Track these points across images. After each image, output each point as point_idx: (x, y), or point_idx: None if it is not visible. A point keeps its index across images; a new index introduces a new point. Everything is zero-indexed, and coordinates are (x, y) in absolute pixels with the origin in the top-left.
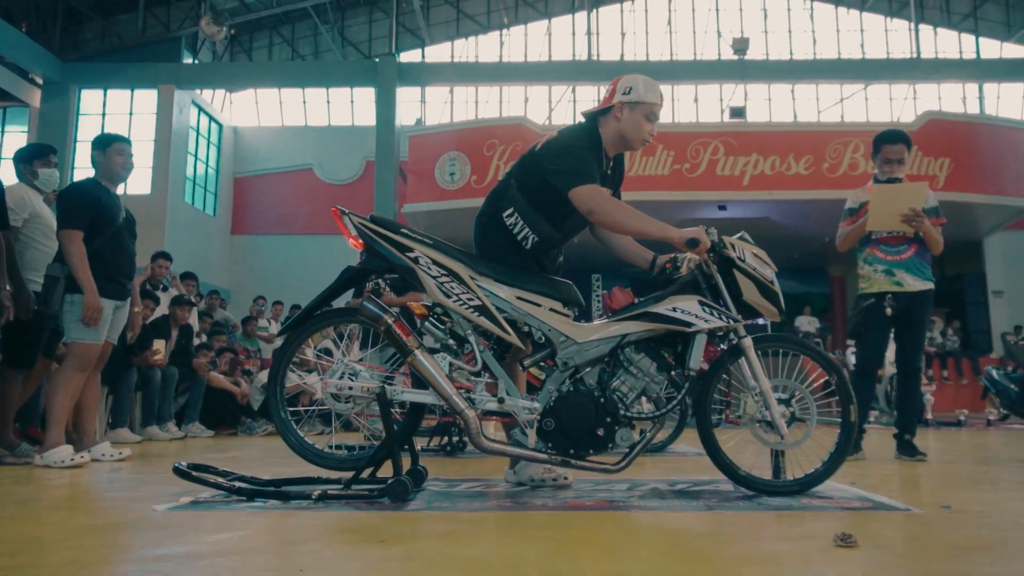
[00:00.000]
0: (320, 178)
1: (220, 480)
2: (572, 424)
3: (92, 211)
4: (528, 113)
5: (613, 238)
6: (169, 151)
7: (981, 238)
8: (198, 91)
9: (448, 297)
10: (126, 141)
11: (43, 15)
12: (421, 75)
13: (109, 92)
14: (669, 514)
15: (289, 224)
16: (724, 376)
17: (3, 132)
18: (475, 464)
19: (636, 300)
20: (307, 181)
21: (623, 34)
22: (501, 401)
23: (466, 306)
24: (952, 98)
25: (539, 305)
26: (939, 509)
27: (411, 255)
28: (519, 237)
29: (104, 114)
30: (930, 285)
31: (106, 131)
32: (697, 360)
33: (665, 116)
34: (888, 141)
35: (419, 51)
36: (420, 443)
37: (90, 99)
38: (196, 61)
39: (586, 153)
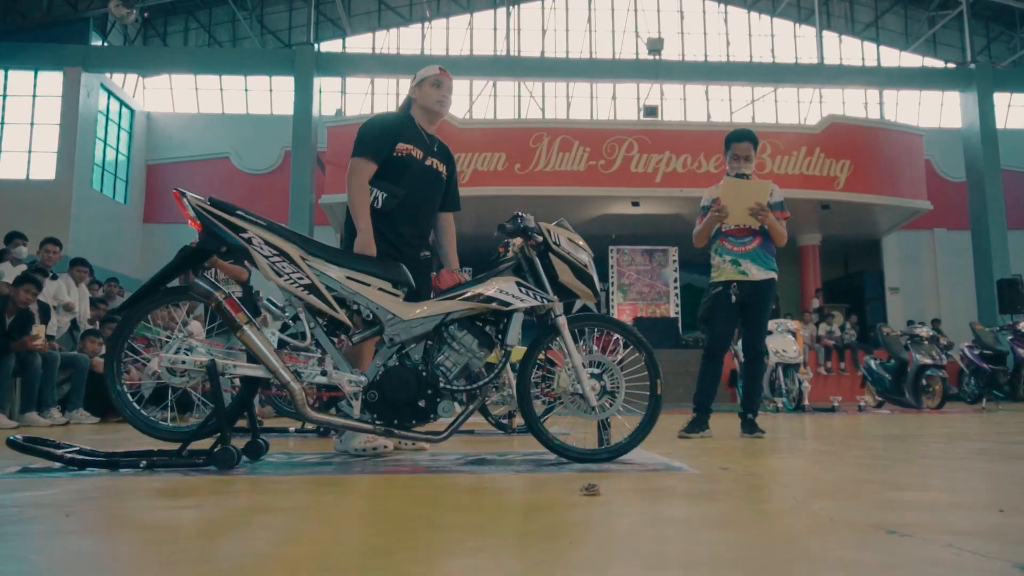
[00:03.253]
0: (237, 167)
1: (54, 451)
2: (394, 396)
3: None
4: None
5: (439, 232)
6: (75, 136)
7: (879, 237)
8: (108, 75)
9: (279, 276)
10: None
11: None
12: (340, 65)
13: (10, 73)
14: (470, 476)
15: None
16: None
17: None
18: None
19: (464, 281)
20: (224, 170)
21: (544, 31)
22: (324, 374)
23: (296, 285)
24: (855, 103)
25: (368, 285)
26: (716, 470)
27: (245, 236)
28: (372, 204)
29: (4, 95)
30: (772, 275)
31: (6, 113)
32: (515, 337)
33: (583, 113)
34: (736, 140)
35: (340, 41)
36: (295, 425)
37: None
38: (106, 44)
39: (377, 129)
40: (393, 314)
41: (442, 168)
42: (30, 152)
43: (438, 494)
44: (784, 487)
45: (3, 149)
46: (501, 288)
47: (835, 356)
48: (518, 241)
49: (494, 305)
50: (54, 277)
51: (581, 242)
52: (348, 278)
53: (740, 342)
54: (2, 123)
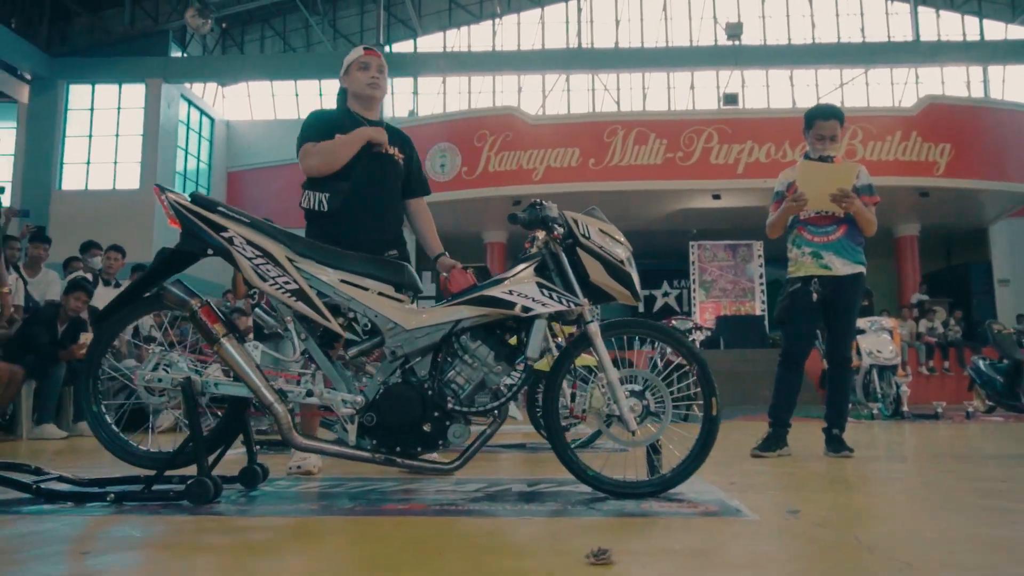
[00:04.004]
0: None
1: (25, 481)
2: (395, 419)
3: None
4: (522, 103)
5: (413, 219)
6: (157, 146)
7: (986, 226)
8: (188, 85)
9: (264, 280)
10: None
11: (30, 11)
12: (410, 66)
13: (97, 87)
14: (471, 521)
15: (283, 218)
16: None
17: None
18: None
19: (477, 283)
20: (300, 175)
21: (617, 21)
22: (311, 394)
23: (282, 290)
24: (956, 82)
25: (366, 289)
26: (782, 515)
27: (226, 235)
28: (317, 209)
29: (92, 109)
30: (860, 268)
31: (94, 126)
32: (536, 348)
33: (659, 104)
34: (821, 117)
35: (411, 42)
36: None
37: (78, 94)
38: (185, 55)
39: (315, 122)
40: (395, 323)
41: (394, 151)
42: (115, 163)
43: (406, 555)
44: (868, 552)
45: (92, 160)
46: (519, 290)
47: (938, 355)
48: (543, 234)
49: (516, 311)
50: (117, 285)
51: (618, 235)
52: (342, 281)
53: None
54: (90, 136)
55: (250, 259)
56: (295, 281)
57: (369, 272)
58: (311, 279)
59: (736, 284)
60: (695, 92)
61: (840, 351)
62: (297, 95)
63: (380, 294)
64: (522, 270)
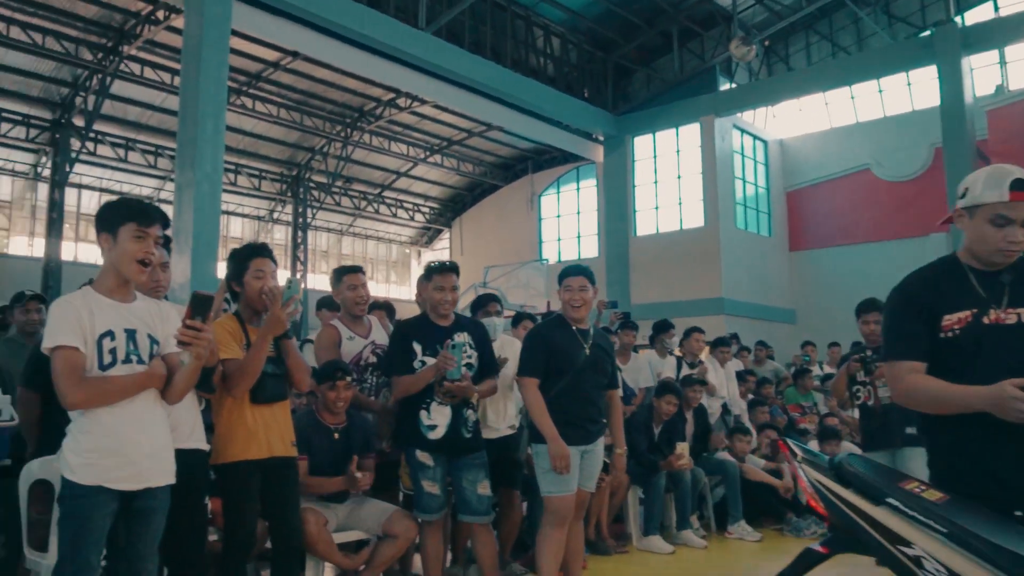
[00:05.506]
0: (880, 177)
1: None
2: None
3: (546, 356)
4: None
5: None
6: (716, 179)
7: None
8: (739, 114)
9: None
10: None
11: (596, 79)
12: (992, 35)
13: (657, 135)
14: None
15: (850, 233)
16: None
17: (579, 188)
18: None
19: None
20: (865, 183)
21: None
22: None
23: None
24: None
25: None
26: None
27: (909, 552)
28: None
29: (655, 156)
30: None
31: (657, 172)
32: None
33: None
34: None
35: (990, 4)
36: None
37: (641, 144)
38: (732, 84)
39: (898, 319)
40: None
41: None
42: (680, 203)
43: None
44: None
45: (659, 205)
46: None
47: None
48: None
49: None
50: (693, 365)
51: None
52: None
53: None
54: (655, 181)
55: None
56: None
57: None
58: None
59: None
60: None
61: None
62: (852, 97)
63: None
64: None
